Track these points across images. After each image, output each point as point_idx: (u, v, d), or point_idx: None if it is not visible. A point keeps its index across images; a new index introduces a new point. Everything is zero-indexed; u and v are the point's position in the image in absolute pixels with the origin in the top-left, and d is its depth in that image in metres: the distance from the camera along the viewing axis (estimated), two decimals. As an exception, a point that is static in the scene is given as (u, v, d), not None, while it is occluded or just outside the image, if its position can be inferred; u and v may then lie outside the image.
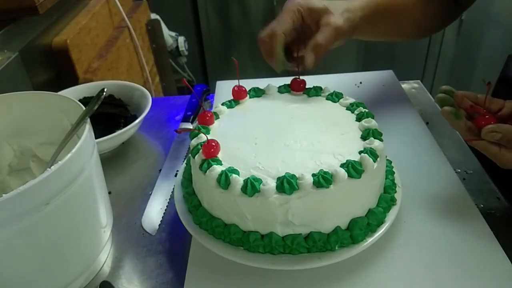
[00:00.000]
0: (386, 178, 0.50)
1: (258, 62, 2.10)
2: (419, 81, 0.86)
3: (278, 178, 0.42)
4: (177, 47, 1.92)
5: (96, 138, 0.48)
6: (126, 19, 1.22)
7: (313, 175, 0.42)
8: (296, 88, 0.59)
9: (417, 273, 0.45)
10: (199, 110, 0.77)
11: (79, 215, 0.44)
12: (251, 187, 0.41)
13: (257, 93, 0.59)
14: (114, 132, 0.66)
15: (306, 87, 0.59)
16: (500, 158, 0.48)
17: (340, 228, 0.44)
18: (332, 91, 0.58)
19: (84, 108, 0.47)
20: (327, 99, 0.57)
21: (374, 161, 0.44)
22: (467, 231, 0.49)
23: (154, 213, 0.58)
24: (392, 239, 0.48)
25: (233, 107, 0.57)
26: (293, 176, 0.42)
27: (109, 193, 0.59)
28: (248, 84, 0.60)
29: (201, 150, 0.47)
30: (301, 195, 0.41)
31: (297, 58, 0.57)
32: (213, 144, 0.47)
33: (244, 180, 0.42)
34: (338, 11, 0.56)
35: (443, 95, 0.54)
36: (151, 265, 0.51)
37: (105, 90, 0.50)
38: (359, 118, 0.51)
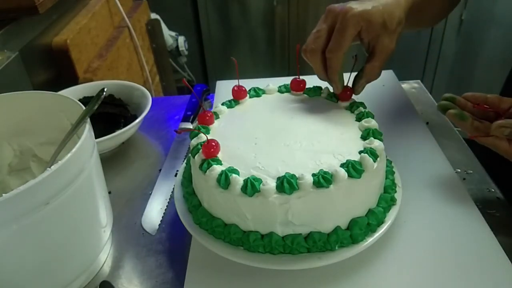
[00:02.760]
0: (386, 178, 0.50)
1: (258, 62, 2.11)
2: (419, 81, 0.86)
3: (278, 178, 0.42)
4: (177, 47, 1.93)
5: (96, 138, 0.48)
6: (126, 19, 1.22)
7: (313, 175, 0.42)
8: (296, 88, 0.59)
9: (417, 273, 0.45)
10: (199, 110, 0.77)
11: (79, 215, 0.44)
12: (251, 187, 0.41)
13: (257, 93, 0.59)
14: (114, 132, 0.66)
15: (306, 87, 0.59)
16: (511, 154, 0.48)
17: (340, 228, 0.44)
18: (332, 91, 0.58)
19: (84, 108, 0.47)
20: (327, 99, 0.57)
21: (374, 161, 0.44)
22: (467, 231, 0.49)
23: (154, 213, 0.58)
24: (392, 239, 0.48)
25: (233, 107, 0.57)
26: (293, 176, 0.42)
27: (109, 193, 0.59)
28: (248, 84, 0.60)
29: (201, 150, 0.47)
30: (301, 195, 0.41)
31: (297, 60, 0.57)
32: (213, 144, 0.47)
33: (244, 180, 0.42)
34: (393, 24, 0.53)
35: (444, 102, 0.54)
36: (151, 265, 0.51)
37: (105, 90, 0.50)
38: (359, 118, 0.51)
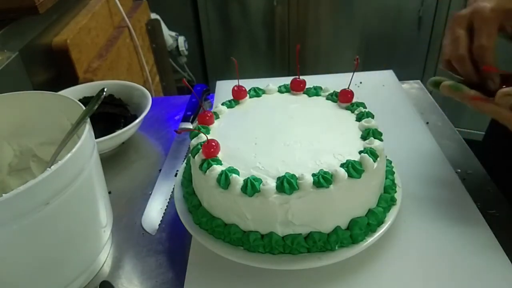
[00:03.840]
0: (386, 178, 0.50)
1: (258, 62, 2.10)
2: (419, 81, 0.86)
3: (278, 178, 0.42)
4: (177, 47, 1.93)
5: (96, 138, 0.48)
6: (126, 19, 1.22)
7: (313, 175, 0.42)
8: (296, 88, 0.59)
9: (417, 273, 0.45)
10: (199, 110, 0.77)
11: (79, 215, 0.44)
12: (251, 187, 0.41)
13: (257, 93, 0.59)
14: (114, 132, 0.66)
15: (306, 87, 0.59)
16: None
17: (340, 228, 0.44)
18: (332, 91, 0.58)
19: (84, 108, 0.47)
20: (327, 99, 0.57)
21: (374, 161, 0.44)
22: (467, 231, 0.49)
23: (154, 213, 0.58)
24: (392, 239, 0.48)
25: (233, 107, 0.57)
26: (293, 176, 0.42)
27: (109, 193, 0.59)
28: (248, 84, 0.60)
29: (201, 150, 0.47)
30: (301, 195, 0.41)
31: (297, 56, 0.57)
32: (213, 144, 0.47)
33: (244, 180, 0.42)
34: None
35: (435, 78, 0.52)
36: (151, 265, 0.51)
37: (105, 90, 0.50)
38: (359, 118, 0.51)
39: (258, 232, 0.44)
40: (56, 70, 0.92)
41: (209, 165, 0.45)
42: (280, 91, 0.60)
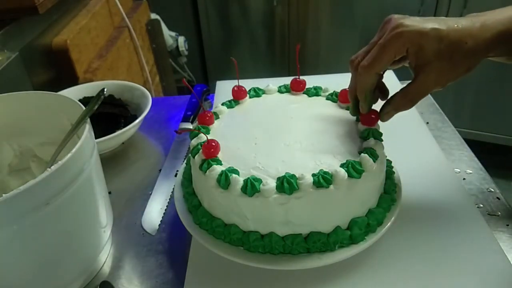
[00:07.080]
0: (386, 178, 0.50)
1: (258, 62, 2.10)
2: (419, 81, 0.86)
3: (278, 178, 0.42)
4: (177, 47, 1.93)
5: (96, 138, 0.48)
6: (126, 19, 1.22)
7: (313, 175, 0.42)
8: (296, 88, 0.59)
9: (417, 273, 0.45)
10: (199, 110, 0.77)
11: (79, 215, 0.44)
12: (251, 187, 0.41)
13: (257, 93, 0.59)
14: (114, 132, 0.66)
15: (306, 87, 0.59)
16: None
17: (340, 228, 0.44)
18: (332, 91, 0.58)
19: (84, 108, 0.47)
20: (327, 99, 0.57)
21: (374, 161, 0.44)
22: (467, 231, 0.49)
23: (154, 213, 0.58)
24: (392, 239, 0.48)
25: (233, 107, 0.57)
26: (293, 176, 0.42)
27: (109, 193, 0.59)
28: (248, 84, 0.60)
29: (201, 150, 0.47)
30: (301, 195, 0.41)
31: (297, 54, 0.57)
32: (213, 144, 0.47)
33: (244, 180, 0.42)
34: (456, 56, 0.41)
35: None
36: (151, 265, 0.51)
37: (105, 90, 0.51)
38: (359, 118, 0.51)
39: (258, 232, 0.44)
40: (56, 70, 0.92)
41: (209, 165, 0.45)
42: (280, 91, 0.60)
